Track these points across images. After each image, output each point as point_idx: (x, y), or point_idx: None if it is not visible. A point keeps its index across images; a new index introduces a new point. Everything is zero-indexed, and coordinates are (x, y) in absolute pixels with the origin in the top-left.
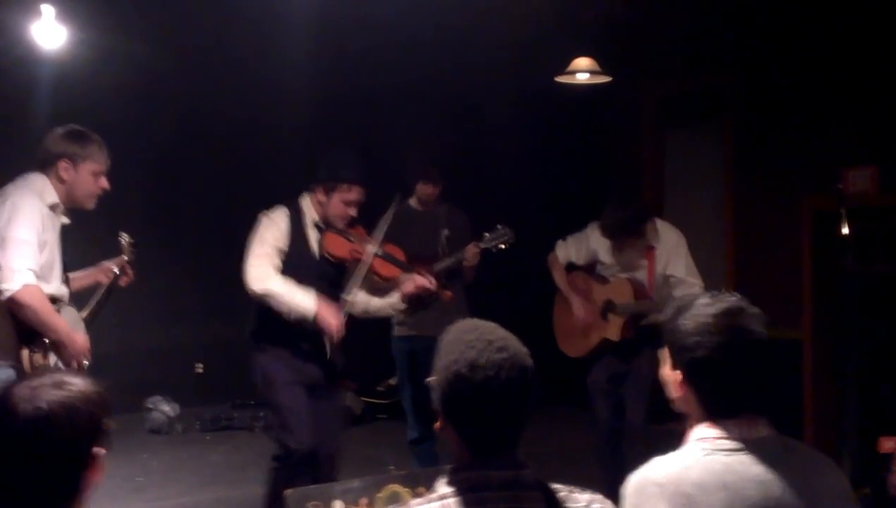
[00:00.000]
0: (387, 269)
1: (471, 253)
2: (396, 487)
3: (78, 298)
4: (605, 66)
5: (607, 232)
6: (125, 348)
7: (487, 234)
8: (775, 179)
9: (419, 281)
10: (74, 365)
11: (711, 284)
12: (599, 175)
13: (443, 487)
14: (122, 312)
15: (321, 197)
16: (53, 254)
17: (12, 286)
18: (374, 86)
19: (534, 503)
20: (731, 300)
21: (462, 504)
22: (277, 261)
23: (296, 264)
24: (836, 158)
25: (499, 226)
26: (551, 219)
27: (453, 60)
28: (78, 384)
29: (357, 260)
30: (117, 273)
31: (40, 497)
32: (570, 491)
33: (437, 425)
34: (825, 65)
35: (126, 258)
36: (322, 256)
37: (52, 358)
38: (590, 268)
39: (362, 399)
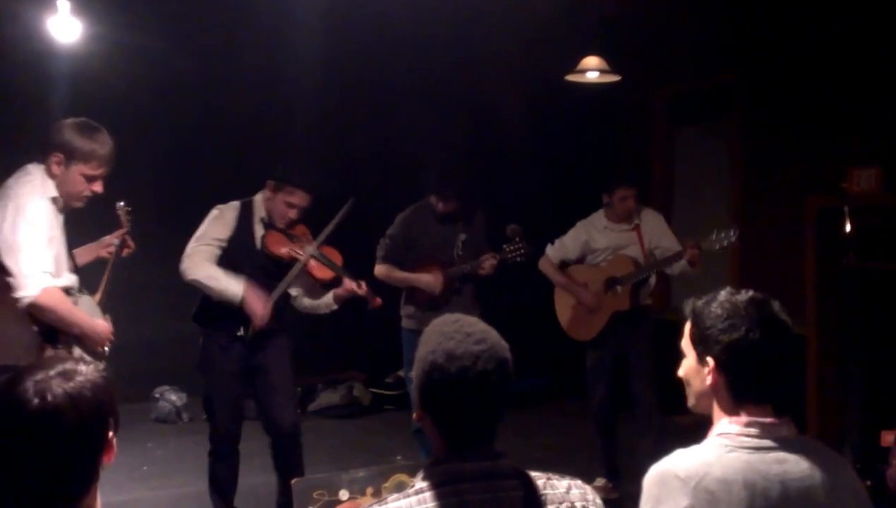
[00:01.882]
0: (321, 271)
1: (488, 263)
2: (402, 477)
3: (84, 279)
4: (614, 65)
5: (616, 181)
6: (133, 337)
7: (506, 246)
8: (781, 177)
9: (348, 285)
10: (100, 350)
11: (718, 279)
12: (609, 173)
13: (420, 481)
14: (131, 302)
15: (269, 193)
16: (60, 247)
17: (31, 292)
18: (386, 83)
19: (511, 491)
20: (754, 292)
21: (438, 497)
22: (215, 251)
23: (237, 255)
24: (840, 158)
25: (517, 239)
26: (560, 217)
27: (463, 58)
28: (84, 372)
29: (293, 259)
30: (118, 245)
31: (57, 487)
32: (549, 479)
33: (416, 416)
34: (831, 65)
35: (126, 229)
36: (262, 251)
37: (77, 351)
38: (581, 262)
39: (370, 390)
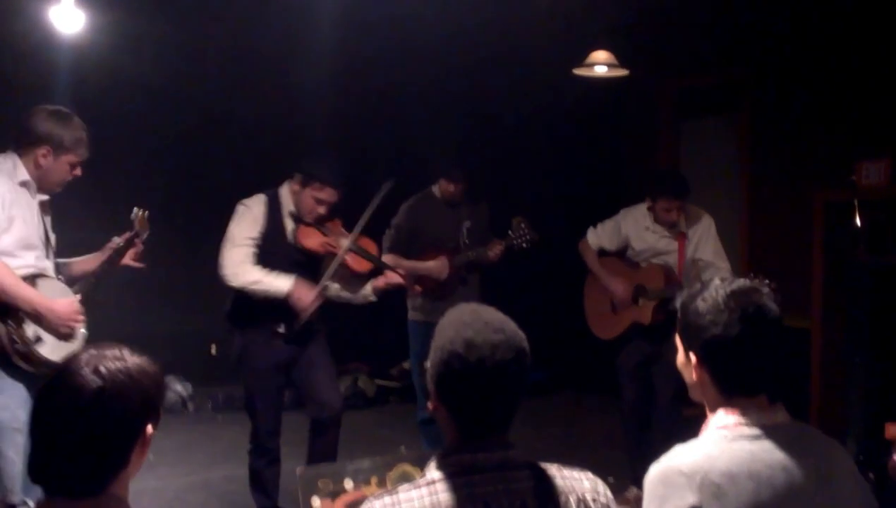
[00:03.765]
0: (359, 264)
1: (495, 250)
2: (407, 467)
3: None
4: (622, 59)
5: (655, 193)
6: (140, 328)
7: (511, 232)
8: (789, 171)
9: (391, 277)
10: (63, 330)
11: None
12: (615, 167)
13: (432, 472)
14: (139, 292)
15: (296, 187)
16: (26, 229)
17: None
18: (393, 80)
19: (522, 482)
20: (742, 281)
21: (450, 488)
22: (252, 251)
23: (270, 251)
24: (849, 151)
25: (523, 225)
26: (567, 211)
27: (471, 54)
28: (138, 359)
29: (329, 253)
30: (121, 245)
31: (86, 464)
32: (559, 469)
33: (430, 405)
34: (840, 58)
35: (135, 230)
36: (294, 246)
37: (31, 329)
38: (620, 255)
39: (375, 381)
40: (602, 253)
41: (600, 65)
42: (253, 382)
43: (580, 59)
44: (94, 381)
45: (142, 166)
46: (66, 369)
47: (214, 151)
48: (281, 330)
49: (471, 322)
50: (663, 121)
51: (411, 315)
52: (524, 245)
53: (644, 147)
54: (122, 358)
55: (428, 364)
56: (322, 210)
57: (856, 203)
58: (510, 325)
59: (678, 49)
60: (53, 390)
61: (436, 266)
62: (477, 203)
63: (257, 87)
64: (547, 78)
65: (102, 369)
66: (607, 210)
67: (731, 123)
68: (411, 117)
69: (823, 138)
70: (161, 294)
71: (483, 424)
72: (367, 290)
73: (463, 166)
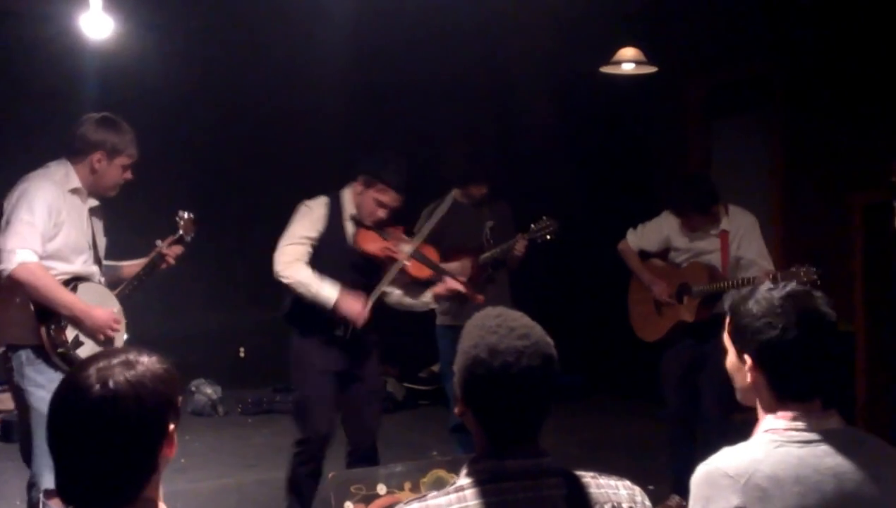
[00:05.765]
0: (419, 270)
1: (519, 244)
2: (441, 472)
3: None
4: (650, 55)
5: (678, 209)
6: (169, 331)
7: (533, 225)
8: (824, 171)
9: (451, 284)
10: (101, 337)
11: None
12: (645, 166)
13: (461, 478)
14: (167, 296)
15: (358, 188)
16: (75, 234)
17: (8, 265)
18: (414, 76)
19: (554, 490)
20: (794, 284)
21: (479, 495)
22: (307, 250)
23: (328, 254)
24: (887, 150)
25: (544, 217)
26: (597, 210)
27: (497, 51)
28: (146, 362)
29: (389, 258)
30: (161, 246)
31: (117, 475)
32: (595, 477)
33: (457, 410)
34: (876, 53)
35: (179, 233)
36: (354, 249)
37: (72, 333)
38: (662, 256)
39: (405, 385)
40: (645, 255)
41: (628, 62)
42: (308, 383)
43: (608, 56)
44: (108, 397)
45: (171, 169)
46: (75, 385)
47: (240, 153)
48: (340, 332)
49: (495, 327)
50: (693, 118)
51: (440, 319)
52: (547, 236)
53: (674, 145)
54: (130, 365)
55: (455, 367)
56: (382, 214)
57: (894, 205)
58: (536, 331)
59: (708, 45)
60: (67, 410)
61: (457, 267)
62: (496, 201)
63: (281, 90)
64: (574, 76)
65: (112, 383)
66: (637, 209)
67: (764, 120)
68: (433, 116)
69: (860, 136)
70: (190, 297)
71: (510, 430)
72: (428, 297)
73: (486, 166)
